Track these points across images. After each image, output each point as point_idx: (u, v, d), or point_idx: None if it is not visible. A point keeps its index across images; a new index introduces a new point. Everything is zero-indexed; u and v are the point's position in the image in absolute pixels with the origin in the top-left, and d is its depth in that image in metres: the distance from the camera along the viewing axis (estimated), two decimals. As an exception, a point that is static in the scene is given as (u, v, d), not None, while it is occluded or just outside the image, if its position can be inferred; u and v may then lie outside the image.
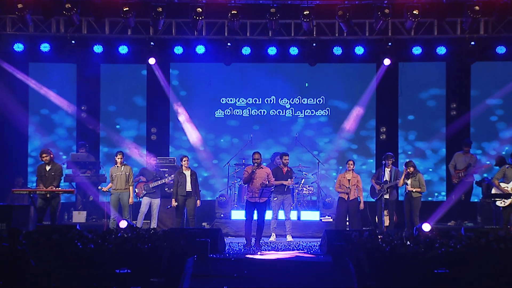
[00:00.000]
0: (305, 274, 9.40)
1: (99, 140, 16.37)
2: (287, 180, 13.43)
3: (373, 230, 9.72)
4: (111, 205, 13.43)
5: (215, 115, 16.59)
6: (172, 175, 14.01)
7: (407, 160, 14.05)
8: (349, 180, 13.62)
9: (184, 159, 13.54)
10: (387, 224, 13.72)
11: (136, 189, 13.86)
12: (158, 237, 9.20)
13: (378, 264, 8.60)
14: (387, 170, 13.86)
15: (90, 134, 16.17)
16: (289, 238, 13.56)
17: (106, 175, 15.02)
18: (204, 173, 16.31)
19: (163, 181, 13.94)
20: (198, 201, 13.48)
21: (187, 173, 13.46)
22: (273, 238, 13.55)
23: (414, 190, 13.50)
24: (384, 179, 13.79)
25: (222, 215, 14.90)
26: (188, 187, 13.39)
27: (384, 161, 13.90)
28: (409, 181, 13.55)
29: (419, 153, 16.30)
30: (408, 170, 13.55)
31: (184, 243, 9.19)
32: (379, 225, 13.78)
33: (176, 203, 13.39)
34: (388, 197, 13.75)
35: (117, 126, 16.45)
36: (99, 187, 13.87)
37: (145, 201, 13.83)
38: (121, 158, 13.47)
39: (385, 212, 13.74)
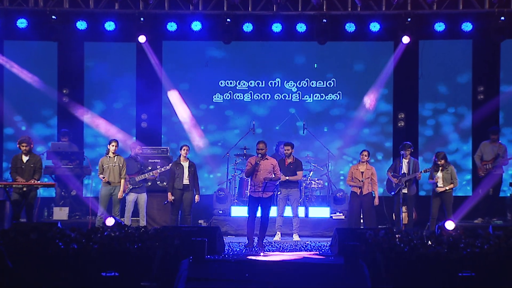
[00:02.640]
0: (313, 277, 9.40)
1: (83, 127, 16.36)
2: (287, 175, 13.35)
3: (390, 229, 9.69)
4: (100, 200, 13.36)
5: (213, 100, 16.57)
6: (162, 168, 13.98)
7: (438, 151, 13.94)
8: (362, 172, 13.61)
9: (183, 148, 13.53)
10: (406, 222, 13.72)
11: None
12: (149, 236, 9.20)
13: (396, 266, 8.60)
14: (405, 162, 13.83)
15: (72, 120, 16.15)
16: (295, 237, 13.56)
17: (91, 166, 14.99)
18: (201, 165, 16.31)
19: (151, 174, 13.84)
20: (197, 196, 13.49)
21: (185, 164, 13.45)
22: (278, 237, 13.56)
23: (447, 188, 13.45)
24: (402, 172, 13.77)
25: (220, 212, 14.90)
26: (186, 180, 13.39)
27: (401, 152, 13.86)
28: (440, 175, 13.50)
29: (442, 143, 16.26)
30: (439, 162, 13.52)
31: (178, 243, 9.19)
32: (397, 222, 13.77)
33: (172, 197, 13.38)
34: (406, 191, 13.73)
35: (104, 112, 16.42)
36: (100, 176, 13.50)
37: (130, 197, 13.69)
38: (115, 147, 13.40)
39: (403, 209, 13.72)
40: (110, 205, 13.41)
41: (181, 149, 13.58)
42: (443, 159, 13.57)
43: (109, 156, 13.37)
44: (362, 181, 13.54)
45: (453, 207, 13.83)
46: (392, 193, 13.95)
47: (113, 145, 13.37)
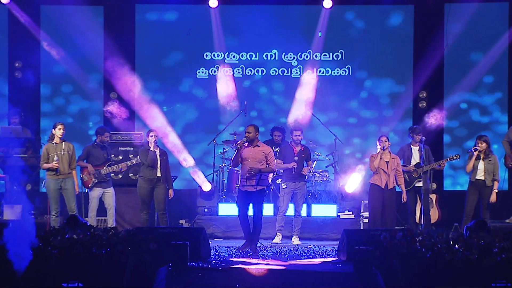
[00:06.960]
0: (317, 288, 9.44)
1: (39, 108, 16.34)
2: (299, 164, 13.34)
3: (409, 230, 9.70)
4: (49, 196, 13.34)
5: (197, 75, 16.55)
6: (134, 158, 13.97)
7: (480, 134, 13.88)
8: (387, 162, 13.38)
9: (151, 134, 13.46)
10: (426, 222, 13.72)
11: (83, 177, 13.71)
12: (120, 239, 9.21)
13: (416, 275, 8.63)
14: (415, 149, 13.78)
15: (26, 100, 16.10)
16: (295, 240, 13.56)
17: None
18: (181, 154, 16.29)
19: (126, 164, 13.82)
20: (170, 190, 13.51)
21: (156, 152, 13.43)
22: (278, 239, 13.54)
23: (495, 189, 13.41)
24: (416, 162, 13.71)
25: (206, 210, 14.92)
26: (158, 172, 13.41)
27: (419, 137, 13.71)
28: (481, 165, 13.46)
29: (472, 127, 16.27)
30: (479, 146, 13.45)
31: (154, 247, 9.20)
32: (412, 222, 13.75)
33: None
34: (421, 185, 13.68)
35: (64, 90, 16.40)
36: (44, 165, 13.51)
37: (95, 193, 13.64)
38: (62, 131, 13.34)
39: (417, 206, 13.73)
40: (63, 200, 13.40)
41: (148, 135, 13.51)
42: (484, 143, 13.48)
43: (56, 143, 13.33)
44: (388, 173, 13.31)
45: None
46: (406, 188, 13.79)
47: (59, 129, 13.30)
